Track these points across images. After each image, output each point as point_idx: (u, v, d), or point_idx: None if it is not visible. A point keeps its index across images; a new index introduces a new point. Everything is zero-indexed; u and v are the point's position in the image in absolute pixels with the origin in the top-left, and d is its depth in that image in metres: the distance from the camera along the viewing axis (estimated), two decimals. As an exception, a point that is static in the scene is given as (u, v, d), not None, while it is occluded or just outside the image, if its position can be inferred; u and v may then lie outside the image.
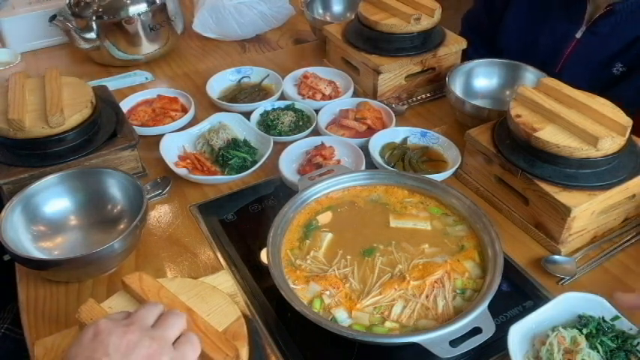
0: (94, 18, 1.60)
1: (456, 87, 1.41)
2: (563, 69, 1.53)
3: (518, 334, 0.86)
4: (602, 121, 1.05)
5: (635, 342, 0.85)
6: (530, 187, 1.08)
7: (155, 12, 1.64)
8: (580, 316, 0.89)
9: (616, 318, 0.88)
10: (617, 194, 1.06)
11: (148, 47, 1.68)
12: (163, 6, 1.66)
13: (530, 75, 1.43)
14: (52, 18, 1.60)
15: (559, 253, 1.07)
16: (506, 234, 1.11)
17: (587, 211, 1.04)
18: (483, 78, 1.48)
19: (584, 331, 0.85)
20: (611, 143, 1.02)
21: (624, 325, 0.87)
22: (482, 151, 1.17)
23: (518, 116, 1.11)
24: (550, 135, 1.06)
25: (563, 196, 1.03)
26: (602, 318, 0.87)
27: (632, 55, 1.43)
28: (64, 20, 1.59)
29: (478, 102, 1.39)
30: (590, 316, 0.88)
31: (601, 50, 1.47)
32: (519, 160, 1.10)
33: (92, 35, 1.61)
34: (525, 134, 1.08)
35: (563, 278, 1.03)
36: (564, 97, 1.11)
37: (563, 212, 1.03)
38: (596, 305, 0.89)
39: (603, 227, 1.11)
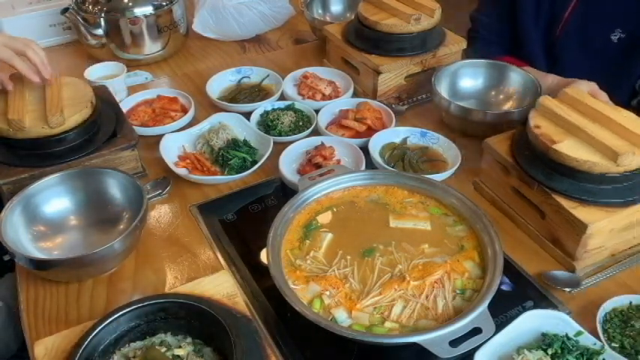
0: (102, 15, 1.61)
1: (442, 88, 1.40)
2: (562, 32, 1.50)
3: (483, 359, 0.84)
4: (625, 135, 1.01)
5: (601, 358, 0.84)
6: (546, 201, 1.05)
7: (162, 15, 1.65)
8: (544, 335, 0.88)
9: (579, 333, 0.87)
10: (637, 212, 1.02)
11: (151, 48, 1.69)
12: (170, 10, 1.67)
13: (515, 75, 1.43)
14: (65, 10, 1.61)
15: (573, 270, 1.04)
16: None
17: (605, 229, 1.00)
18: (469, 79, 1.47)
19: (549, 351, 0.84)
20: (632, 159, 0.98)
21: (588, 340, 0.86)
22: (499, 161, 1.14)
23: (538, 127, 1.07)
24: (569, 148, 1.02)
25: (580, 212, 0.99)
26: (566, 335, 0.86)
27: (632, 22, 1.40)
28: (74, 13, 1.59)
29: (464, 103, 1.38)
30: (554, 335, 0.87)
31: (599, 13, 1.44)
32: (537, 173, 1.06)
33: (100, 32, 1.62)
34: (544, 146, 1.04)
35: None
36: (587, 108, 1.07)
37: (579, 228, 0.99)
38: (559, 322, 0.88)
39: (622, 245, 1.07)
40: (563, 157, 1.02)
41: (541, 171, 1.06)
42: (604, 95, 1.20)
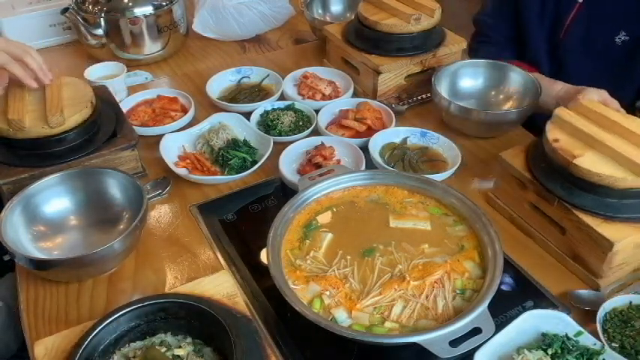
0: (102, 15, 1.61)
1: (442, 88, 1.40)
2: (566, 35, 1.49)
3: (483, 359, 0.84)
4: None
5: (601, 358, 0.84)
6: (567, 217, 1.01)
7: (162, 15, 1.65)
8: (544, 335, 0.87)
9: (579, 334, 0.87)
10: None
11: (151, 48, 1.69)
12: (170, 10, 1.67)
13: (515, 75, 1.43)
14: (65, 10, 1.61)
15: (597, 287, 1.01)
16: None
17: (630, 245, 0.97)
18: (469, 79, 1.47)
19: (549, 351, 0.84)
20: None
21: (588, 340, 0.86)
22: (515, 176, 1.10)
23: (556, 141, 1.03)
24: (591, 163, 0.98)
25: (605, 229, 0.96)
26: (566, 335, 0.86)
27: (636, 25, 1.39)
28: (74, 13, 1.59)
29: (464, 103, 1.38)
30: (554, 335, 0.87)
31: (603, 15, 1.43)
32: (556, 188, 1.02)
33: (100, 32, 1.62)
34: (564, 161, 1.00)
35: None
36: (602, 119, 1.04)
37: (604, 246, 0.96)
38: (559, 322, 0.88)
39: None
40: (584, 172, 0.98)
41: (560, 185, 1.02)
42: (615, 103, 1.18)
